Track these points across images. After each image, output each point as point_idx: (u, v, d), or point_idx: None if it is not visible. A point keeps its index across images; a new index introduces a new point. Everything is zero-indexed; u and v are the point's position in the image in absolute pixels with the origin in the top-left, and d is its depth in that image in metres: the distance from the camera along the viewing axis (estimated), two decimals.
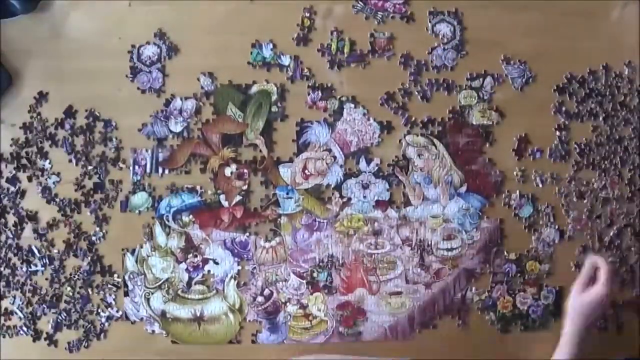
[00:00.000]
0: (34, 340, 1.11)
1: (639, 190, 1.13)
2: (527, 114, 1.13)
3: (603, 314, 1.03)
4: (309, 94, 1.11)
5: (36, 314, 1.11)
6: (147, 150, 1.10)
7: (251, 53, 1.10)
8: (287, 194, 1.11)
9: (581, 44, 1.13)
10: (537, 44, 1.13)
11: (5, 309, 1.11)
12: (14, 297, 1.11)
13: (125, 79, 1.10)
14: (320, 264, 1.11)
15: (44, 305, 1.11)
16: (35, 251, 1.10)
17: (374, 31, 1.11)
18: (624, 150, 1.13)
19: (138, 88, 1.10)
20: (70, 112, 1.10)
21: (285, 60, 1.11)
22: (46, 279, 1.11)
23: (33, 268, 1.11)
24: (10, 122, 1.10)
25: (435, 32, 1.11)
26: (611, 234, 1.13)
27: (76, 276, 1.11)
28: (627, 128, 1.14)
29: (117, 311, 1.11)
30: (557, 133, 1.13)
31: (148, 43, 1.10)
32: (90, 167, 1.10)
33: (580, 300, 0.97)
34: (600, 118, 1.13)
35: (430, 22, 1.11)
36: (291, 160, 1.11)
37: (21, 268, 1.10)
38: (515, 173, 1.12)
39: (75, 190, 1.10)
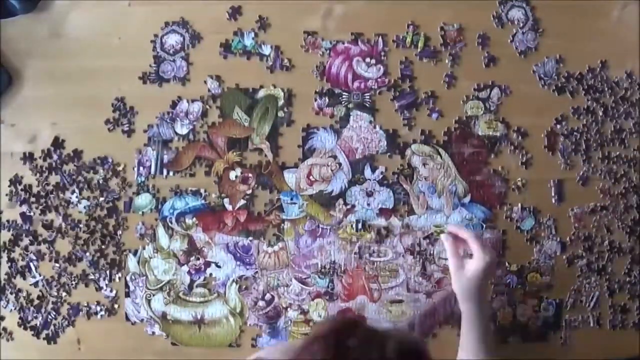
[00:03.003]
0: (37, 337, 1.12)
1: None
2: (527, 115, 1.13)
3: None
4: (315, 100, 1.11)
5: (27, 318, 1.11)
6: (152, 151, 1.10)
7: (232, 41, 1.10)
8: (291, 199, 1.11)
9: (581, 44, 1.14)
10: (536, 43, 1.13)
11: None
12: (8, 301, 1.11)
13: (126, 79, 1.10)
14: (322, 270, 1.11)
15: (32, 309, 1.11)
16: (33, 268, 1.11)
17: (444, 23, 1.12)
18: (621, 142, 1.14)
19: (162, 77, 1.10)
20: (57, 143, 1.10)
21: (266, 50, 1.10)
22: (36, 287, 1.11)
23: (32, 280, 1.11)
24: (10, 122, 1.10)
25: (510, 19, 1.12)
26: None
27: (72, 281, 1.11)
28: (628, 122, 1.14)
29: (111, 291, 1.11)
30: (558, 131, 1.14)
31: (172, 32, 1.11)
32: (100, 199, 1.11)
33: (464, 282, 0.94)
34: (600, 113, 1.14)
35: (502, 11, 1.12)
36: (296, 166, 1.11)
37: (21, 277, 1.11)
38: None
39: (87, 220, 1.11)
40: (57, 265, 1.11)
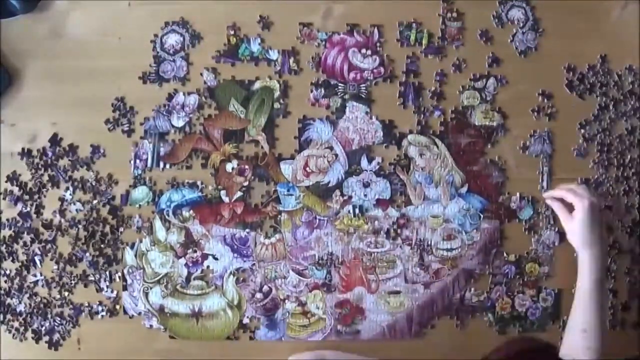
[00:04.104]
0: (36, 342, 1.11)
1: None
2: (527, 114, 1.13)
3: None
4: (311, 91, 1.11)
5: (32, 324, 1.11)
6: (149, 144, 1.10)
7: (239, 47, 1.10)
8: (288, 190, 1.11)
9: (581, 44, 1.13)
10: (536, 43, 1.13)
11: (14, 309, 1.11)
12: (20, 301, 1.11)
13: (126, 79, 1.10)
14: (320, 261, 1.11)
15: (39, 317, 1.11)
16: (38, 263, 1.10)
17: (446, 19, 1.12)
18: (629, 139, 1.13)
19: (162, 77, 1.10)
20: (55, 139, 1.10)
21: (273, 55, 1.11)
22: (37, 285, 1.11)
23: (32, 278, 1.11)
24: (10, 122, 1.10)
25: (509, 19, 1.12)
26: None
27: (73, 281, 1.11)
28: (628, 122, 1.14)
29: (112, 291, 1.11)
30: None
31: (172, 32, 1.11)
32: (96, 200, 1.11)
33: (575, 228, 0.98)
34: (596, 110, 1.13)
35: (502, 11, 1.12)
36: (293, 157, 1.11)
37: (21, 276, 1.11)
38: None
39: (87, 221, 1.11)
40: (56, 267, 1.10)
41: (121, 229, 1.10)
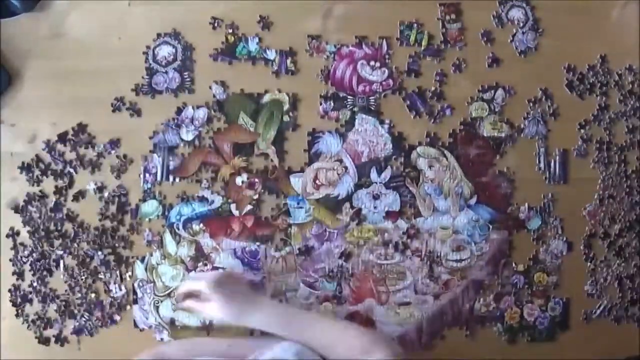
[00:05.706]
0: (41, 342, 1.11)
1: None
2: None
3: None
4: (321, 104, 1.11)
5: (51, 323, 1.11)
6: (158, 158, 1.10)
7: (237, 46, 1.10)
8: (298, 203, 1.11)
9: (581, 44, 1.14)
10: (536, 43, 1.14)
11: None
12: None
13: (126, 79, 1.10)
14: (330, 274, 1.11)
15: (58, 315, 1.11)
16: (62, 264, 1.11)
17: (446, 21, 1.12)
18: (629, 139, 1.14)
19: (153, 88, 1.10)
20: (64, 137, 1.10)
21: (271, 55, 1.10)
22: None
23: (53, 276, 1.11)
24: (10, 122, 1.10)
25: (510, 19, 1.12)
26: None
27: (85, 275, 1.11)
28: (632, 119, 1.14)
29: (120, 289, 1.11)
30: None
31: (164, 43, 1.10)
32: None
33: None
34: (596, 110, 1.14)
35: (502, 11, 1.12)
36: (302, 170, 1.11)
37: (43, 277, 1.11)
38: None
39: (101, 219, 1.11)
40: (68, 271, 1.11)
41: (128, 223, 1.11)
